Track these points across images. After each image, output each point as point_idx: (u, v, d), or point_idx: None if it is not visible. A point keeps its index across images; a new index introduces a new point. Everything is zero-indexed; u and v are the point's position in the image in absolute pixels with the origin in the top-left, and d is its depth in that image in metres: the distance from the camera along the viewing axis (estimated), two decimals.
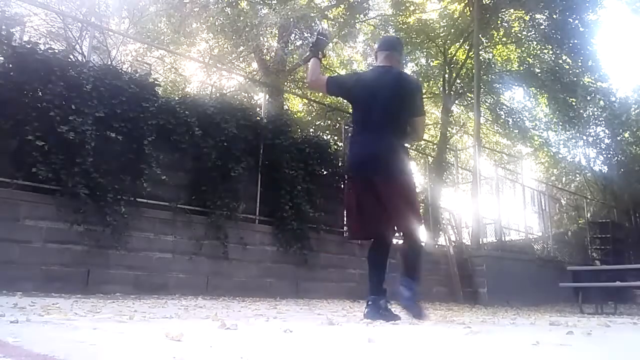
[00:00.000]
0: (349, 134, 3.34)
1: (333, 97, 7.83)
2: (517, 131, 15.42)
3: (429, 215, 9.20)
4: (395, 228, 3.19)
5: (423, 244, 3.32)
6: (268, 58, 12.12)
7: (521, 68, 14.30)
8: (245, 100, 9.18)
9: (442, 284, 8.19)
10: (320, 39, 3.37)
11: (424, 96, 8.05)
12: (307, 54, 3.35)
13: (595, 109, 15.82)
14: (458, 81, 13.96)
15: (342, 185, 7.62)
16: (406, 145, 3.29)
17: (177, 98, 6.12)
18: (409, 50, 13.92)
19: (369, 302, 3.02)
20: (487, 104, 15.15)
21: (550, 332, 2.55)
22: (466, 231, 10.73)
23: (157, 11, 10.40)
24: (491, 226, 11.25)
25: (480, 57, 12.18)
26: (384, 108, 3.06)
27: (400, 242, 3.25)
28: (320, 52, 3.38)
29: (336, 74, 11.63)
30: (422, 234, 3.25)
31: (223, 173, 5.82)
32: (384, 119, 3.05)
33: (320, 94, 14.44)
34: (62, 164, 4.51)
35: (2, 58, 4.64)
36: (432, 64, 14.58)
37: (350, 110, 3.65)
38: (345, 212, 3.32)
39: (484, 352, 1.69)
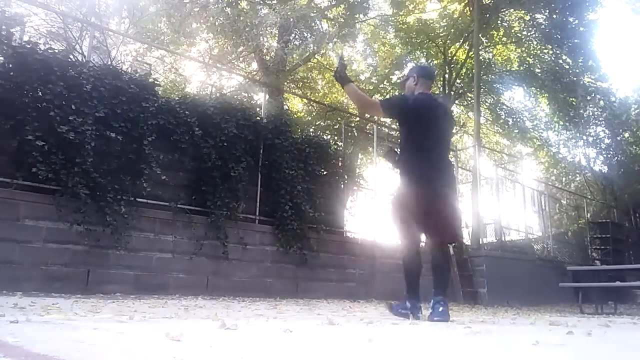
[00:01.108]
0: (398, 151, 3.62)
1: (334, 100, 7.86)
2: (517, 131, 15.41)
3: None
4: (436, 237, 3.43)
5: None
6: (268, 58, 12.12)
7: (521, 68, 14.29)
8: (245, 100, 9.16)
9: None
10: (342, 63, 3.57)
11: None
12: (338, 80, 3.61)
13: (595, 109, 15.80)
14: (458, 81, 13.95)
15: (342, 185, 7.62)
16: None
17: (177, 98, 6.12)
18: (409, 50, 13.93)
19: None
20: (487, 104, 15.14)
21: (550, 332, 2.55)
22: (466, 231, 10.71)
23: (157, 11, 10.39)
24: (491, 226, 11.25)
25: (480, 57, 12.17)
26: (439, 132, 3.48)
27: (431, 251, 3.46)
28: (347, 76, 3.59)
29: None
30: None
31: (223, 173, 5.82)
32: (439, 141, 3.49)
33: (320, 94, 14.54)
34: (62, 164, 4.51)
35: (2, 58, 4.64)
36: (432, 64, 14.58)
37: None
38: (398, 220, 3.50)
39: (484, 352, 1.69)
